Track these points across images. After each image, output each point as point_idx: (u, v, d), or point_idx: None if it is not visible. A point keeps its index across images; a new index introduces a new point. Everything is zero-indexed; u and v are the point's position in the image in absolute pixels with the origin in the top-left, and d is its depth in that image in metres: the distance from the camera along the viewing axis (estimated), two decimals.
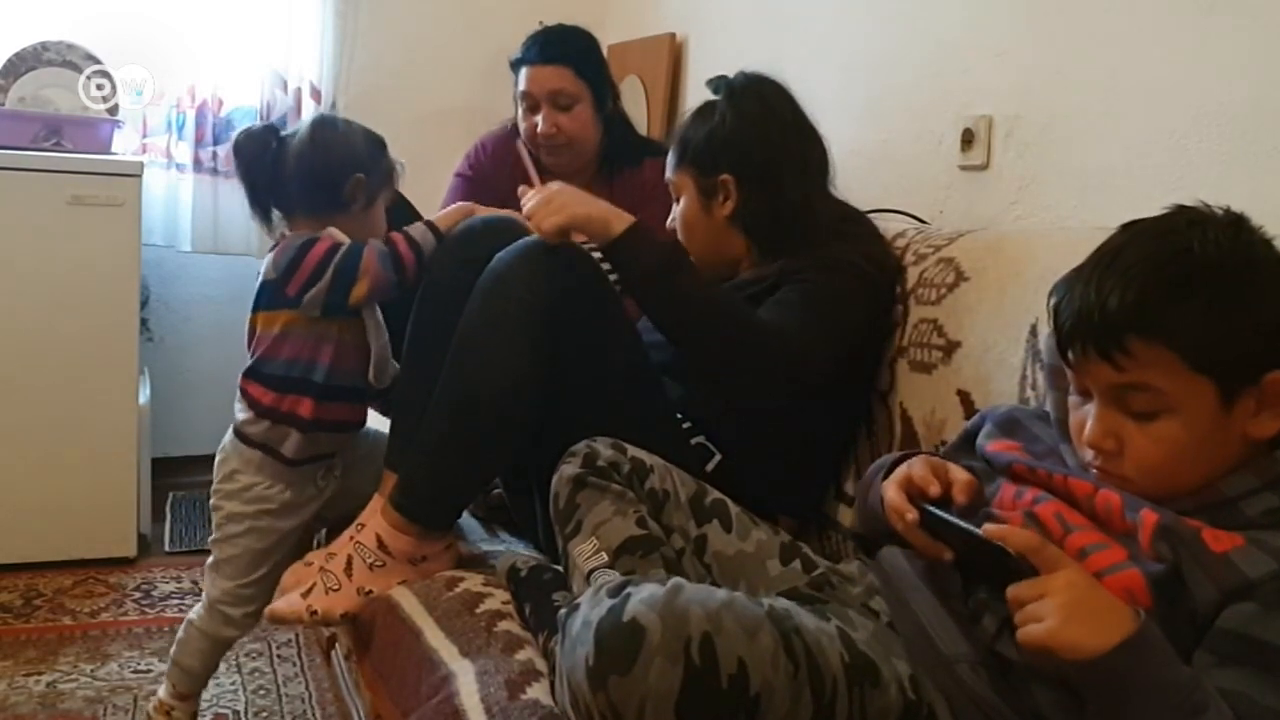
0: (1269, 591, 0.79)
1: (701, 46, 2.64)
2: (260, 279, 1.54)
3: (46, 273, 2.34)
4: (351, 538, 1.40)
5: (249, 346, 1.58)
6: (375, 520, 1.37)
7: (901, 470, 1.01)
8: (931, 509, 0.95)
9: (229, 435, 1.60)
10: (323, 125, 1.59)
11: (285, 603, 1.37)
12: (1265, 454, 0.87)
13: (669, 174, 1.57)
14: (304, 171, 1.55)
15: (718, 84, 1.53)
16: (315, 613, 1.34)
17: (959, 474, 1.00)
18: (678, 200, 1.57)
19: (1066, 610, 0.78)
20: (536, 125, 2.07)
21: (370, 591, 1.34)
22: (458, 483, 1.37)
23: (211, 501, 1.59)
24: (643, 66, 2.70)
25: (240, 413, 1.58)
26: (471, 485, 1.41)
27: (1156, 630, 0.79)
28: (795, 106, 1.53)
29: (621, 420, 1.27)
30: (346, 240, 1.52)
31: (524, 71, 2.09)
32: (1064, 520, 0.92)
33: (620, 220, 1.35)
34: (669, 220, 1.59)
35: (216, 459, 1.60)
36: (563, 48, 2.08)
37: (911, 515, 0.95)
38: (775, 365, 1.32)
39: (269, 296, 1.52)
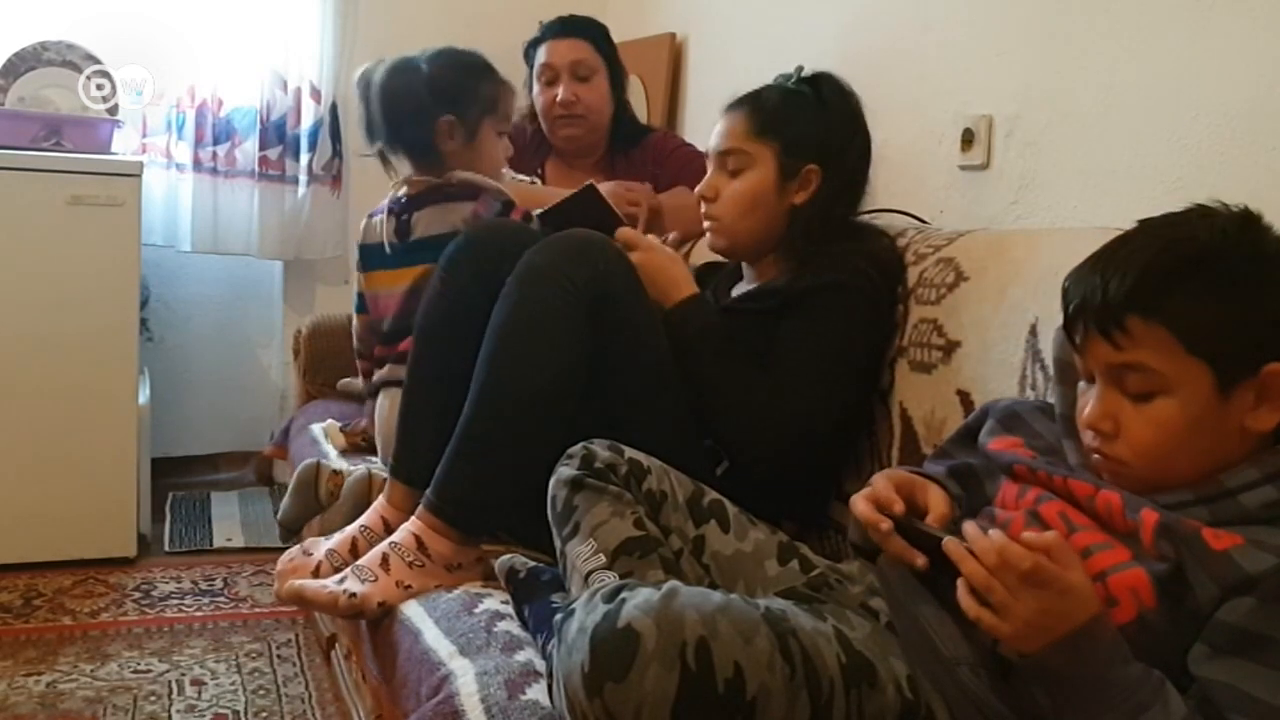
0: (1269, 587, 0.79)
1: (701, 46, 2.63)
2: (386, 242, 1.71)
3: (46, 273, 2.34)
4: (366, 536, 1.41)
5: (372, 311, 1.77)
6: (413, 523, 1.36)
7: (870, 487, 1.03)
8: (903, 520, 0.96)
9: (384, 400, 1.72)
10: (391, 74, 1.68)
11: (317, 584, 1.33)
12: (1267, 448, 0.87)
13: (734, 141, 1.50)
14: (389, 127, 1.67)
15: (803, 76, 1.53)
16: (353, 596, 1.30)
17: (936, 504, 1.00)
18: (733, 171, 1.51)
19: (1034, 615, 0.80)
20: (556, 97, 2.11)
21: (409, 587, 1.32)
22: (499, 487, 1.35)
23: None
24: (643, 66, 2.70)
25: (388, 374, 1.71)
26: (513, 489, 1.35)
27: (1106, 630, 0.80)
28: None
29: (637, 414, 1.28)
30: (486, 188, 1.67)
31: (544, 46, 2.18)
32: (1068, 520, 0.92)
33: (679, 291, 1.45)
34: (702, 187, 1.55)
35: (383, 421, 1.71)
36: (582, 24, 2.20)
37: (886, 525, 0.96)
38: (788, 438, 1.36)
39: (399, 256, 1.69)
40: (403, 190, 1.77)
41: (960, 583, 0.84)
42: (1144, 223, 0.92)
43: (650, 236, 1.53)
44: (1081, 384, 0.95)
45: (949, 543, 0.86)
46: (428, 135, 1.71)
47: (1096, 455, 0.92)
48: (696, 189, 1.56)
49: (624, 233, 1.49)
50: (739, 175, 1.50)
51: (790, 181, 1.49)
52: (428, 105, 1.70)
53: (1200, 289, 0.85)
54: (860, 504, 0.99)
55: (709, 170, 1.56)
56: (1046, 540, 0.82)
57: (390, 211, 1.76)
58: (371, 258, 1.79)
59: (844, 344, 1.40)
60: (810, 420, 1.36)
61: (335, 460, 1.84)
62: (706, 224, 1.55)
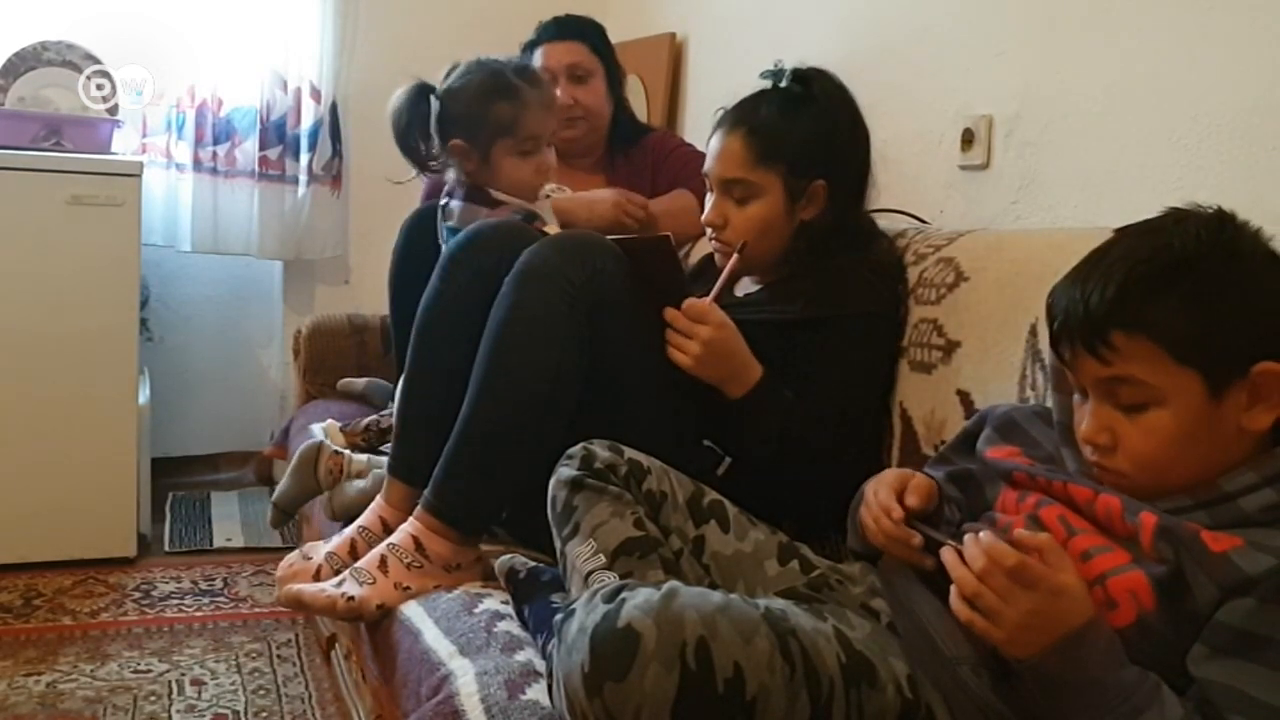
0: (1269, 588, 0.79)
1: (701, 46, 2.63)
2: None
3: (46, 273, 2.34)
4: (365, 537, 1.41)
5: None
6: (411, 524, 1.36)
7: (872, 498, 1.04)
8: (926, 530, 0.98)
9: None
10: (400, 100, 1.71)
11: (315, 588, 1.33)
12: (1266, 450, 0.87)
13: (737, 171, 1.47)
14: (405, 152, 1.72)
15: (794, 74, 1.49)
16: (351, 599, 1.30)
17: (919, 482, 1.03)
18: (739, 199, 1.48)
19: (1025, 618, 0.80)
20: (554, 99, 2.11)
21: (408, 588, 1.32)
22: (498, 487, 1.35)
23: None
24: (643, 66, 2.70)
25: None
26: (512, 489, 1.36)
27: (1101, 633, 0.80)
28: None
29: (638, 415, 1.27)
30: (511, 206, 1.68)
31: (540, 50, 2.17)
32: (1068, 523, 0.92)
33: (748, 374, 1.37)
34: (708, 210, 1.51)
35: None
36: (578, 25, 2.19)
37: (917, 540, 0.98)
38: (815, 465, 1.38)
39: None
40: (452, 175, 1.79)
41: (953, 588, 0.84)
42: (1120, 232, 0.92)
43: (720, 312, 1.37)
44: (1076, 397, 0.95)
45: (944, 553, 0.86)
46: (445, 157, 1.73)
47: (1097, 469, 0.92)
48: (703, 218, 1.52)
49: (694, 304, 1.35)
50: (747, 203, 1.48)
51: (798, 201, 1.47)
52: (441, 128, 1.70)
53: (1180, 297, 0.85)
54: (885, 522, 1.01)
55: (712, 194, 1.51)
56: (1038, 540, 0.83)
57: (445, 193, 1.80)
58: None
59: (872, 371, 1.44)
60: (836, 448, 1.38)
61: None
62: (716, 246, 1.52)
